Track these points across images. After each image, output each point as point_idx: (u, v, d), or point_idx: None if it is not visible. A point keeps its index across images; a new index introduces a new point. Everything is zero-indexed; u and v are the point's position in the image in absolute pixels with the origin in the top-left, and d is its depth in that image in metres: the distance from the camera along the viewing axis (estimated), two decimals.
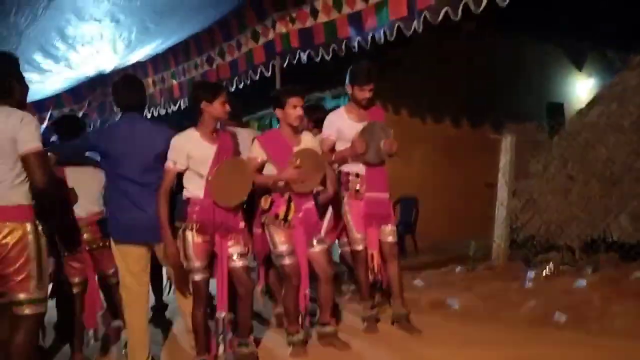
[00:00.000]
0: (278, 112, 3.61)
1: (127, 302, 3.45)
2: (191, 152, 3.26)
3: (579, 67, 9.56)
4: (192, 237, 3.26)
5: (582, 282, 4.35)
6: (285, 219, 3.55)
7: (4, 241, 2.70)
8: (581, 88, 9.52)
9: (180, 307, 3.58)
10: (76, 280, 3.73)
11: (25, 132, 2.71)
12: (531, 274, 4.86)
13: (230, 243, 3.35)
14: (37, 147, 2.73)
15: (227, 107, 3.34)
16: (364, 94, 3.88)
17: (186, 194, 3.32)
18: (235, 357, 3.45)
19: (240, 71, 5.80)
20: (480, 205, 6.24)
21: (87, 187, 3.67)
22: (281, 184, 3.52)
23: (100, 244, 3.66)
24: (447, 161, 7.49)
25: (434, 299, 4.62)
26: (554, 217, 5.33)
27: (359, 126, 3.90)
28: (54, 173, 3.21)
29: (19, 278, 2.73)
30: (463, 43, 7.23)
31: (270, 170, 3.56)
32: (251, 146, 3.61)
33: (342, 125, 3.93)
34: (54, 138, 4.16)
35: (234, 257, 3.37)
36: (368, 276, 4.01)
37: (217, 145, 3.33)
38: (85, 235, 3.67)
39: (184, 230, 3.27)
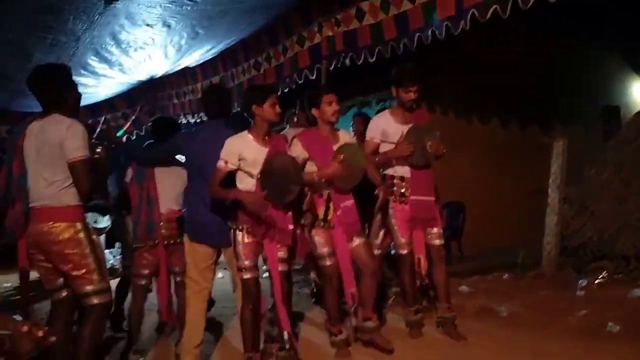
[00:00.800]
0: (314, 112, 3.64)
1: (190, 292, 3.61)
2: (243, 154, 3.32)
3: (637, 70, 9.20)
4: (242, 237, 3.33)
5: (636, 292, 4.19)
6: (325, 219, 3.57)
7: (57, 239, 2.87)
8: (639, 91, 9.16)
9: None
10: (146, 272, 3.88)
11: (72, 140, 2.87)
12: (582, 282, 4.71)
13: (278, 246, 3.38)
14: (83, 155, 2.89)
15: (278, 109, 3.39)
16: (409, 95, 3.85)
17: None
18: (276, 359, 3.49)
19: (285, 75, 5.85)
20: (530, 211, 6.08)
21: (170, 186, 3.87)
22: (323, 180, 3.53)
23: (177, 241, 3.80)
24: (496, 165, 7.32)
25: (480, 305, 4.53)
26: (607, 224, 5.14)
27: (404, 129, 3.87)
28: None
29: (80, 273, 2.90)
30: (514, 44, 7.07)
31: (310, 169, 3.57)
32: (291, 147, 3.63)
33: (387, 127, 3.91)
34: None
35: None
36: (413, 281, 3.97)
37: (269, 148, 3.37)
38: (163, 231, 3.83)
39: (235, 230, 3.34)
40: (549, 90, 7.53)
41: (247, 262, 3.33)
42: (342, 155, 3.51)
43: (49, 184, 2.88)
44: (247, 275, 3.35)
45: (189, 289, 3.62)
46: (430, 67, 6.18)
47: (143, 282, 3.89)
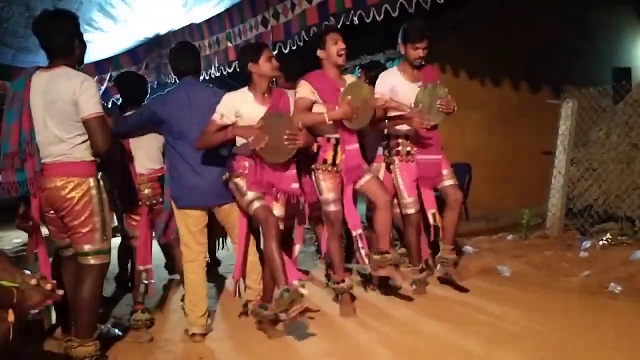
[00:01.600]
0: (320, 53, 3.56)
1: (187, 258, 3.56)
2: (240, 110, 3.28)
3: None
4: (243, 182, 3.30)
5: None
6: (334, 163, 3.56)
7: (69, 195, 2.84)
8: None
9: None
10: (136, 233, 3.85)
11: (86, 97, 2.79)
12: (587, 243, 4.74)
13: (275, 203, 3.34)
14: (98, 111, 2.82)
15: (275, 63, 3.33)
16: (418, 52, 3.79)
17: (234, 150, 3.37)
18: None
19: (294, 33, 5.75)
20: (537, 173, 6.06)
21: (147, 145, 3.76)
22: (331, 121, 3.46)
23: (160, 200, 3.73)
24: (506, 127, 7.27)
25: (483, 265, 4.58)
26: (614, 186, 5.13)
27: (413, 86, 3.83)
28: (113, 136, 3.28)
29: (84, 230, 2.87)
30: (525, 5, 6.92)
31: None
32: (298, 88, 3.53)
33: (396, 84, 3.86)
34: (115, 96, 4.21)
35: None
36: (419, 240, 4.00)
37: (268, 107, 3.33)
38: (145, 191, 3.76)
39: (233, 180, 3.32)
40: (560, 51, 7.40)
41: (252, 194, 3.26)
42: (349, 96, 3.43)
43: (60, 140, 2.82)
44: (256, 205, 3.24)
45: (184, 258, 3.56)
46: (441, 27, 6.06)
47: (135, 243, 3.86)
